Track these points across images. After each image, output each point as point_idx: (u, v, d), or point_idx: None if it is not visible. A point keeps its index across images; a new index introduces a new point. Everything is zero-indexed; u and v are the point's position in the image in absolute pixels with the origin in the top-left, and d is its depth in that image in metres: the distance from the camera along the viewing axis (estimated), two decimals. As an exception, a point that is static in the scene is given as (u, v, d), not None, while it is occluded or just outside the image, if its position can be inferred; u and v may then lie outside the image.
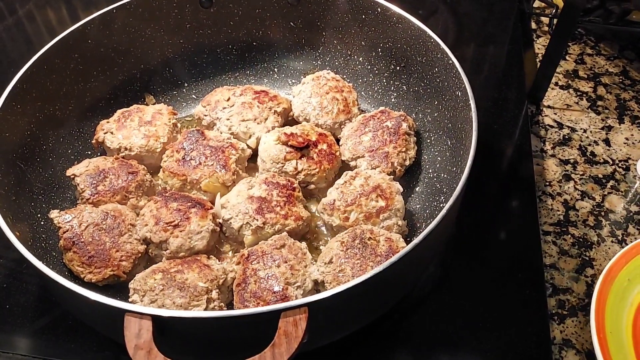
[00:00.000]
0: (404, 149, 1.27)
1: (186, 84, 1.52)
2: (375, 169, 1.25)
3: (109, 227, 1.14)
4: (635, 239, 1.28)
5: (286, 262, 1.08)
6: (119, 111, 1.36)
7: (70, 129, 1.32)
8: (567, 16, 1.36)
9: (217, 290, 1.06)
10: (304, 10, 1.45)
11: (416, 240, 0.88)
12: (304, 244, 1.13)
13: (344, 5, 1.40)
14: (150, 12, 1.38)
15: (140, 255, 1.14)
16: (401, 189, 1.20)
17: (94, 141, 1.33)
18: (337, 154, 1.30)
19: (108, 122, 1.34)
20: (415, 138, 1.31)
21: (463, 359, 1.07)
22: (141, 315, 0.79)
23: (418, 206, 1.26)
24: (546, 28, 1.83)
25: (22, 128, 1.18)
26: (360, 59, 1.46)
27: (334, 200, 1.19)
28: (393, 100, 1.42)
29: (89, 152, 1.35)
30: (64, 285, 0.83)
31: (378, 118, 1.32)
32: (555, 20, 1.58)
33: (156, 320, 0.79)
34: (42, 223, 1.16)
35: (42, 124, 1.24)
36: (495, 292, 1.17)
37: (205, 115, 1.39)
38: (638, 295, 1.11)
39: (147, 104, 1.47)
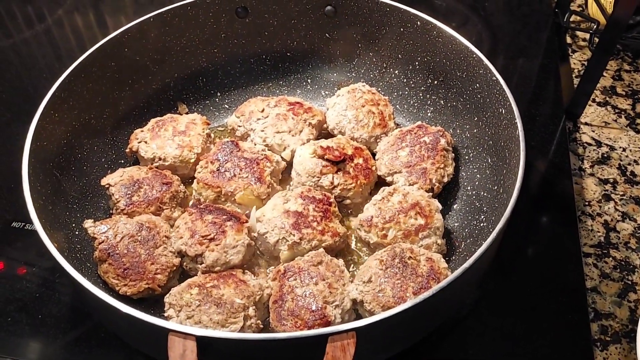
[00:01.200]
0: (442, 165, 1.25)
1: (219, 94, 1.51)
2: (413, 185, 1.23)
3: (144, 239, 1.12)
4: (680, 263, 1.24)
5: (324, 279, 1.06)
6: (153, 120, 1.35)
7: (105, 138, 1.31)
8: (610, 32, 1.33)
9: (254, 307, 1.04)
10: (340, 22, 1.43)
11: (466, 265, 0.85)
12: (341, 262, 1.11)
13: (329, 13, 1.39)
14: (186, 21, 1.38)
15: (175, 268, 1.12)
16: (440, 207, 1.17)
17: (127, 150, 1.32)
18: (373, 168, 1.28)
19: (142, 131, 1.33)
20: (453, 154, 1.28)
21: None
22: (185, 335, 0.78)
23: (456, 224, 1.23)
24: (582, 43, 1.80)
25: (59, 137, 1.18)
26: (396, 72, 1.44)
27: (372, 217, 1.17)
28: (429, 114, 1.40)
29: (122, 161, 1.34)
30: (107, 301, 0.82)
31: (415, 133, 1.30)
32: (595, 37, 1.54)
33: (200, 340, 0.77)
34: (76, 233, 1.15)
35: (78, 132, 1.23)
36: (535, 315, 1.14)
37: (240, 126, 1.37)
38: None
39: (180, 113, 1.46)
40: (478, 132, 1.26)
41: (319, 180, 1.24)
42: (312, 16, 1.44)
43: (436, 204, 1.18)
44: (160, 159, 1.29)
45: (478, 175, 1.24)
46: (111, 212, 1.23)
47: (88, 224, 1.18)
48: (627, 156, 1.47)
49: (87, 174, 1.25)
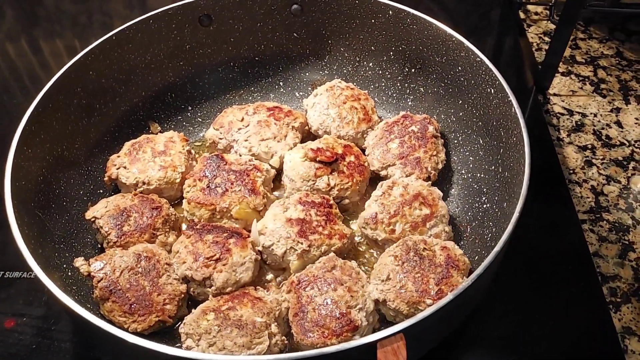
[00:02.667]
0: (434, 153, 1.24)
1: (190, 107, 1.45)
2: (409, 175, 1.22)
3: (144, 269, 1.06)
4: (668, 217, 1.29)
5: (342, 284, 1.03)
6: (128, 144, 1.28)
7: (80, 169, 1.23)
8: (573, 4, 1.36)
9: (275, 323, 1.00)
10: (308, 20, 1.40)
11: (497, 247, 0.85)
12: (354, 263, 1.09)
13: (296, 12, 1.37)
14: (149, 36, 1.31)
15: (182, 296, 1.06)
16: (441, 194, 1.17)
17: (106, 178, 1.24)
18: (366, 164, 1.26)
19: (119, 156, 1.26)
20: (442, 140, 1.28)
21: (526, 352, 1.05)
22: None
23: (457, 210, 1.23)
24: (535, 17, 1.84)
25: (35, 174, 1.09)
26: (371, 64, 1.42)
27: (376, 213, 1.14)
28: (410, 103, 1.39)
29: (101, 191, 1.26)
30: (134, 342, 0.76)
31: (402, 123, 1.29)
32: (554, 9, 1.58)
33: (245, 369, 0.73)
34: (69, 274, 1.07)
35: (52, 166, 1.15)
36: (548, 287, 1.15)
37: (220, 139, 1.32)
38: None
39: (153, 133, 1.38)
40: (465, 115, 1.26)
41: (314, 184, 1.21)
42: (279, 17, 1.40)
43: (437, 191, 1.17)
44: (144, 183, 1.22)
45: (471, 158, 1.25)
46: (101, 246, 1.16)
47: (79, 262, 1.10)
48: (599, 121, 1.51)
49: (68, 209, 1.17)
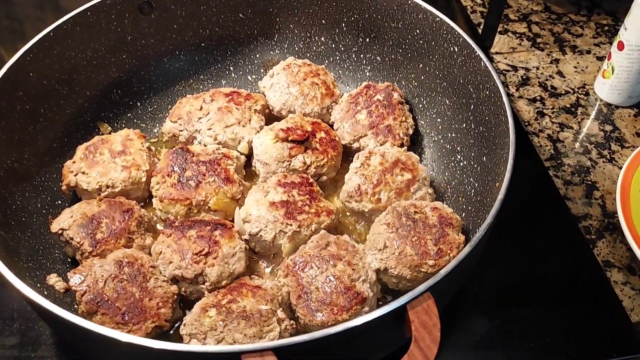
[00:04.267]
0: (403, 119, 1.24)
1: (139, 103, 1.36)
2: (384, 144, 1.21)
3: (129, 276, 0.99)
4: (621, 154, 1.37)
5: (340, 259, 1.01)
6: (81, 147, 1.18)
7: (32, 181, 1.12)
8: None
9: (281, 309, 0.96)
10: (254, -1, 1.36)
11: (500, 196, 0.85)
12: (347, 237, 1.07)
13: None
14: (88, 30, 1.21)
15: (175, 297, 1.00)
16: (418, 158, 1.17)
17: (63, 187, 1.14)
18: (337, 139, 1.24)
19: (74, 162, 1.16)
20: (407, 106, 1.28)
21: (521, 301, 1.08)
22: (262, 352, 0.69)
23: (433, 172, 1.24)
24: (463, -19, 1.89)
25: (-13, 189, 0.98)
26: (322, 39, 1.40)
27: (359, 185, 1.13)
28: (368, 74, 1.38)
29: (60, 202, 1.16)
30: (135, 343, 0.70)
31: (366, 94, 1.28)
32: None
33: (279, 352, 0.69)
34: (45, 293, 0.98)
35: (4, 181, 1.04)
36: (531, 235, 1.19)
37: (181, 131, 1.25)
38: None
39: (102, 134, 1.29)
40: (427, 79, 1.27)
41: (290, 164, 1.18)
42: (223, -2, 1.34)
43: (414, 155, 1.17)
44: (108, 186, 1.13)
45: (439, 120, 1.26)
46: (72, 259, 1.07)
47: (53, 279, 1.03)
48: (542, 73, 1.58)
49: (29, 225, 1.07)
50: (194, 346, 0.71)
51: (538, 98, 1.51)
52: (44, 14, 1.83)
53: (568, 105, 1.48)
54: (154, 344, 0.71)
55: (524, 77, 1.56)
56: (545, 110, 1.47)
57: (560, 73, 1.57)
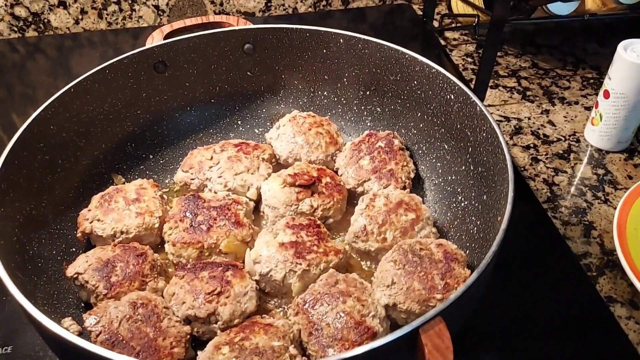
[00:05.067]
0: (405, 163, 1.30)
1: (151, 156, 1.42)
2: (387, 187, 1.26)
3: (143, 316, 1.01)
4: (614, 195, 1.42)
5: (349, 295, 1.03)
6: (96, 197, 1.23)
7: (49, 228, 1.16)
8: (497, 23, 1.51)
9: (292, 345, 0.98)
10: (260, 57, 1.45)
11: (504, 225, 0.89)
12: (355, 275, 1.10)
13: (224, 43, 1.41)
14: (106, 86, 1.29)
15: (188, 337, 1.02)
16: (421, 199, 1.22)
17: (79, 234, 1.18)
18: (342, 184, 1.29)
19: (89, 210, 1.20)
20: (408, 152, 1.34)
21: (526, 337, 1.10)
22: (279, 377, 0.71)
23: (436, 214, 1.28)
24: (454, 42, 2.01)
25: (9, 234, 1.02)
26: (326, 92, 1.48)
27: (365, 225, 1.17)
28: (369, 124, 1.45)
29: (74, 249, 1.19)
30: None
31: (368, 141, 1.34)
32: (477, 28, 1.74)
33: (297, 377, 0.71)
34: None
35: (23, 226, 1.08)
36: (532, 272, 1.22)
37: (193, 179, 1.30)
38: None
39: (117, 185, 1.34)
40: (425, 126, 1.33)
41: (297, 207, 1.22)
42: (232, 57, 1.43)
43: (417, 197, 1.22)
44: (122, 232, 1.17)
45: (438, 164, 1.31)
46: (85, 303, 1.09)
47: (67, 322, 1.04)
48: (534, 123, 1.65)
49: (44, 270, 1.09)
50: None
51: (531, 145, 1.57)
52: (56, 81, 1.93)
53: (561, 152, 1.55)
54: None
55: (517, 127, 1.64)
56: (539, 157, 1.54)
57: (551, 122, 1.65)
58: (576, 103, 1.71)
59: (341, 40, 1.37)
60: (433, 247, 1.09)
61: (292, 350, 0.97)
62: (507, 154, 1.02)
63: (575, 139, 1.59)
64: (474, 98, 1.15)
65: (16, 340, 1.09)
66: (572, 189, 1.44)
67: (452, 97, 1.22)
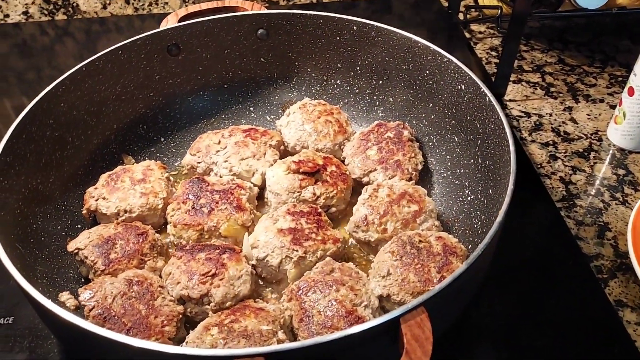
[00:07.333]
0: (413, 155, 1.27)
1: (162, 139, 1.43)
2: (392, 178, 1.24)
3: (138, 294, 1.01)
4: (634, 197, 1.36)
5: (343, 284, 1.02)
6: (104, 176, 1.24)
7: (55, 204, 1.18)
8: (518, 16, 1.46)
9: (282, 331, 0.97)
10: (274, 43, 1.44)
11: (499, 218, 0.87)
12: (352, 264, 1.08)
13: (237, 28, 1.40)
14: (119, 66, 1.30)
15: (180, 316, 1.02)
16: (426, 192, 1.19)
17: (84, 211, 1.20)
18: (348, 173, 1.28)
19: (96, 188, 1.22)
20: (417, 143, 1.32)
21: (534, 338, 1.06)
22: (252, 357, 0.70)
23: (442, 207, 1.26)
24: (479, 35, 1.96)
25: (12, 206, 1.04)
26: (338, 81, 1.47)
27: (366, 215, 1.15)
28: (380, 114, 1.43)
29: (79, 226, 1.22)
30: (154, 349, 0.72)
31: (377, 131, 1.32)
32: (500, 20, 1.69)
33: (270, 358, 0.70)
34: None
35: (28, 200, 1.10)
36: (539, 272, 1.18)
37: (199, 163, 1.31)
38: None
39: (126, 165, 1.35)
40: (437, 117, 1.31)
41: (300, 195, 1.21)
42: (245, 42, 1.43)
43: (422, 189, 1.19)
44: (125, 211, 1.18)
45: (448, 157, 1.28)
46: (85, 279, 1.11)
47: (65, 296, 1.06)
48: (555, 120, 1.60)
49: (47, 245, 1.12)
50: (186, 348, 0.72)
51: (551, 142, 1.52)
52: (83, 64, 1.97)
53: (581, 150, 1.49)
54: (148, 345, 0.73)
55: (537, 123, 1.59)
56: (557, 154, 1.49)
57: (573, 120, 1.59)
58: (601, 101, 1.65)
59: (354, 27, 1.35)
60: (432, 239, 1.07)
61: (281, 335, 0.96)
62: (512, 145, 0.98)
63: (597, 138, 1.53)
64: (484, 88, 1.11)
65: (18, 312, 1.11)
66: (590, 189, 1.39)
67: (463, 87, 1.19)
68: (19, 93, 1.81)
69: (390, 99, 1.41)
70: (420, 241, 1.06)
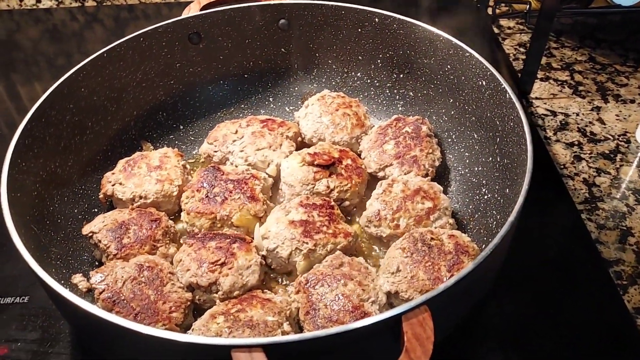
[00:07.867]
0: (430, 151, 1.25)
1: (182, 127, 1.44)
2: (408, 174, 1.22)
3: (148, 279, 1.02)
4: (661, 202, 1.32)
5: (352, 279, 1.01)
6: (122, 161, 1.26)
7: (73, 187, 1.20)
8: (546, 12, 1.42)
9: (287, 322, 0.97)
10: (295, 34, 1.43)
11: (511, 218, 0.84)
12: (361, 259, 1.07)
13: (258, 17, 1.39)
14: (140, 53, 1.31)
15: (188, 303, 1.03)
16: (441, 188, 1.17)
17: (101, 195, 1.21)
18: (363, 167, 1.26)
19: (113, 173, 1.24)
20: (436, 139, 1.29)
21: (545, 341, 1.04)
22: (250, 347, 0.70)
23: (458, 205, 1.23)
24: (508, 31, 1.91)
25: (29, 188, 1.06)
26: (359, 74, 1.45)
27: (379, 210, 1.14)
28: (400, 109, 1.41)
29: (96, 210, 1.23)
30: (157, 335, 0.72)
31: (395, 126, 1.30)
32: (529, 15, 1.65)
33: (269, 350, 0.70)
34: (68, 291, 1.02)
35: (45, 183, 1.12)
36: (556, 275, 1.15)
37: (215, 152, 1.31)
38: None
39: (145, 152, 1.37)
40: (457, 113, 1.28)
41: (314, 187, 1.20)
42: (266, 32, 1.42)
43: (437, 185, 1.17)
44: (141, 197, 1.20)
45: (467, 154, 1.26)
46: (98, 262, 1.13)
47: (77, 279, 1.08)
48: (582, 119, 1.55)
49: (63, 227, 1.13)
50: (184, 335, 0.72)
51: (576, 143, 1.48)
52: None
53: (607, 151, 1.45)
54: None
55: (563, 122, 1.54)
56: (582, 155, 1.44)
57: (600, 120, 1.54)
58: (632, 102, 1.59)
59: (376, 19, 1.33)
60: (445, 237, 1.05)
61: (287, 327, 0.96)
62: (529, 144, 0.96)
63: (625, 140, 1.48)
64: (504, 85, 1.09)
65: (33, 292, 1.14)
66: (614, 192, 1.34)
67: (484, 83, 1.16)
68: (50, 78, 1.85)
69: (411, 93, 1.39)
70: (432, 239, 1.04)
